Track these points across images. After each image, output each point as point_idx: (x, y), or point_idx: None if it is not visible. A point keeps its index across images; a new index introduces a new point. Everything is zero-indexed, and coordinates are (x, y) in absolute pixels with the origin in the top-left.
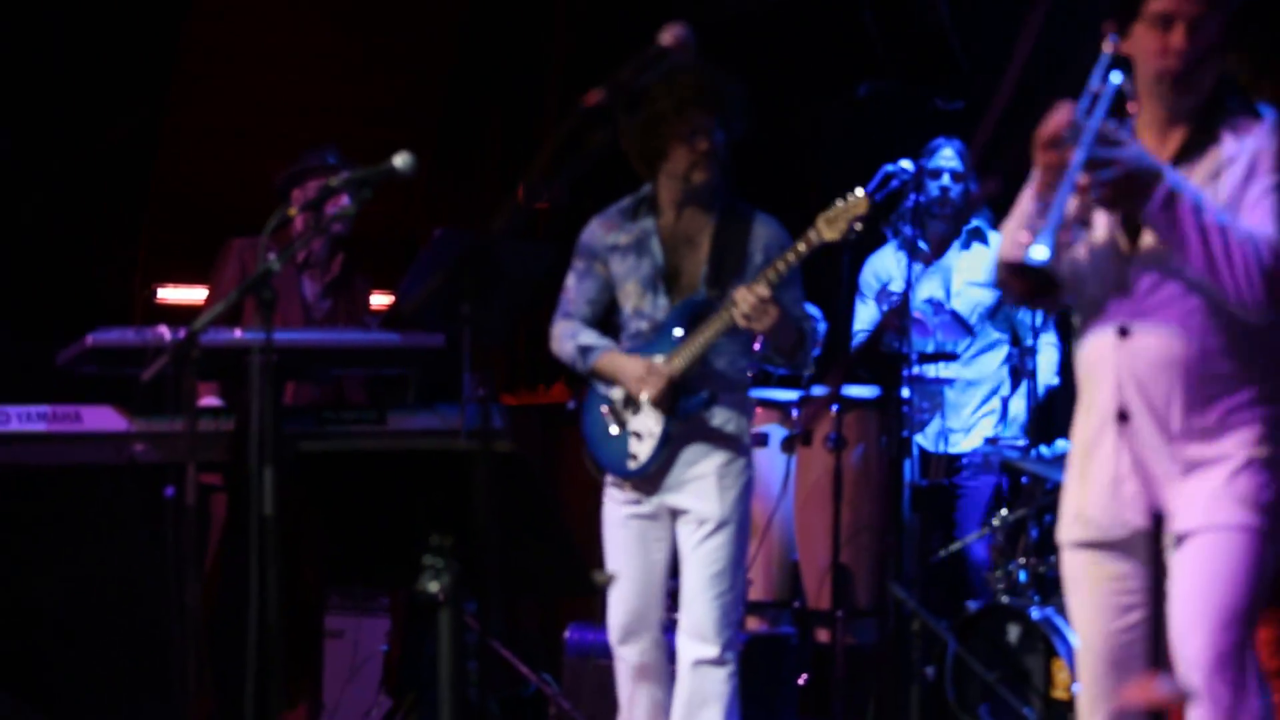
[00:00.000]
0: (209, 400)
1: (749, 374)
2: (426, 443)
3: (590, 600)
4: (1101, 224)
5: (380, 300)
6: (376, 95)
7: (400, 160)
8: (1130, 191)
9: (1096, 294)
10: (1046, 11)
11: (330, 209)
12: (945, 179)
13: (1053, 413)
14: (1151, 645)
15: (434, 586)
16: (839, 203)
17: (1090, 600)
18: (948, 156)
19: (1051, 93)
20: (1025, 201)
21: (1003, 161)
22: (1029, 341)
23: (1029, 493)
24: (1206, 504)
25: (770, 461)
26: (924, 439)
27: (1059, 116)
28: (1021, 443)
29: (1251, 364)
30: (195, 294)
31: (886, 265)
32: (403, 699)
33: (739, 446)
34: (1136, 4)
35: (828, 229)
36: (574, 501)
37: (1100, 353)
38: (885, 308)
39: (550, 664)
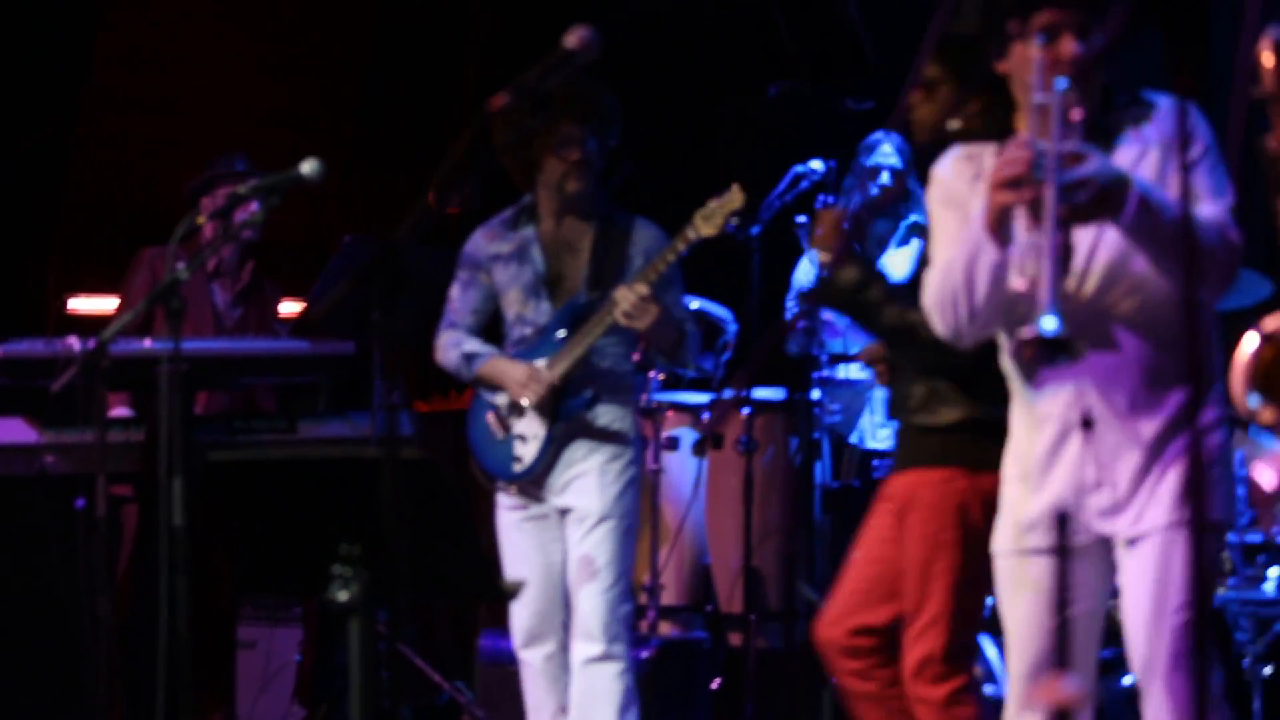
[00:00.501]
0: (119, 411)
1: (633, 374)
2: (336, 451)
3: (503, 607)
4: (1024, 237)
5: (291, 307)
6: (289, 100)
7: (308, 167)
8: (1105, 205)
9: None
10: (952, 10)
11: (239, 216)
12: (884, 177)
13: None
14: (1061, 647)
15: (344, 595)
16: (713, 200)
17: (1030, 601)
18: (886, 153)
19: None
20: (960, 246)
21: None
22: None
23: None
24: (1168, 503)
25: (681, 465)
26: (854, 437)
27: (1019, 154)
28: None
29: (1181, 358)
30: (108, 304)
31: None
32: (316, 709)
33: (624, 444)
34: (1008, 23)
35: (705, 225)
36: (487, 507)
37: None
38: (793, 310)
39: (464, 672)
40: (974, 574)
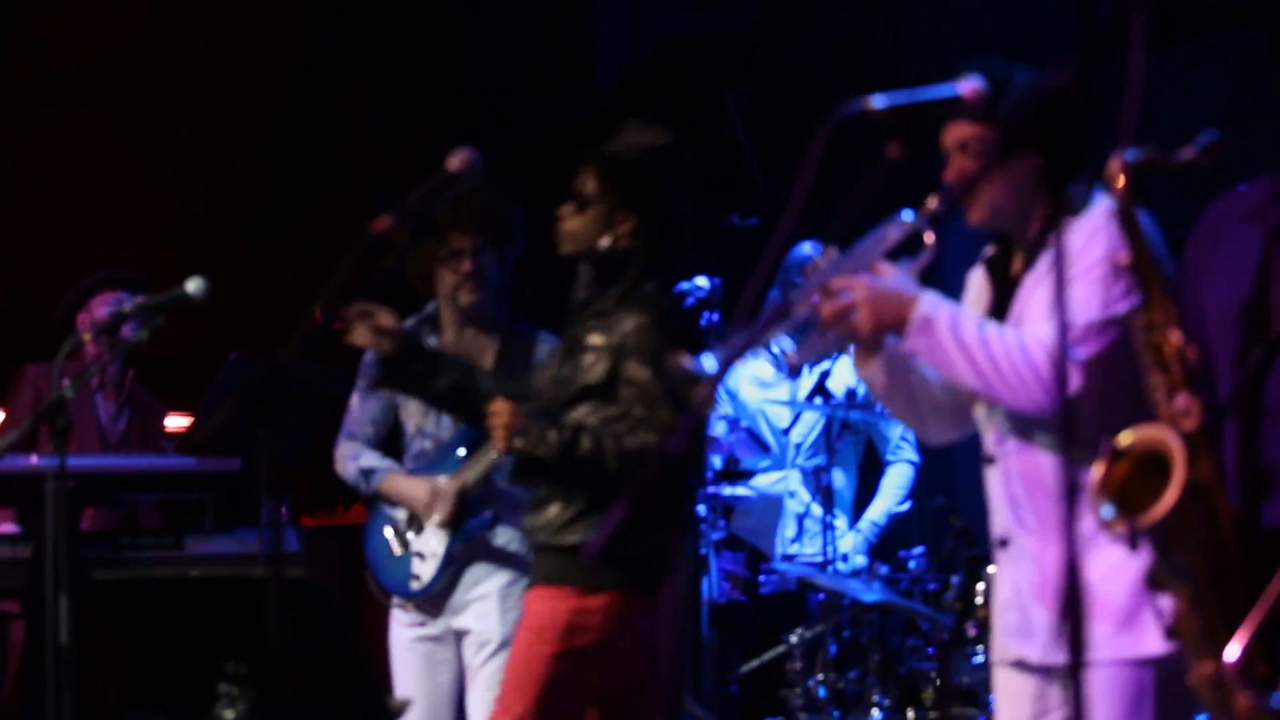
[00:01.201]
0: (6, 527)
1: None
2: (223, 569)
3: None
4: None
5: (178, 422)
6: (175, 215)
7: (193, 285)
8: (880, 317)
9: (977, 426)
10: (835, 128)
11: (126, 333)
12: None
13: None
14: None
15: (230, 714)
16: None
17: (1003, 711)
18: None
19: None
20: None
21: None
22: (888, 457)
23: (827, 608)
24: (1095, 635)
25: None
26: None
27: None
28: (818, 559)
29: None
30: None
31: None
32: None
33: (523, 567)
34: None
35: None
36: (377, 623)
37: (985, 479)
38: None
39: None
40: (566, 690)
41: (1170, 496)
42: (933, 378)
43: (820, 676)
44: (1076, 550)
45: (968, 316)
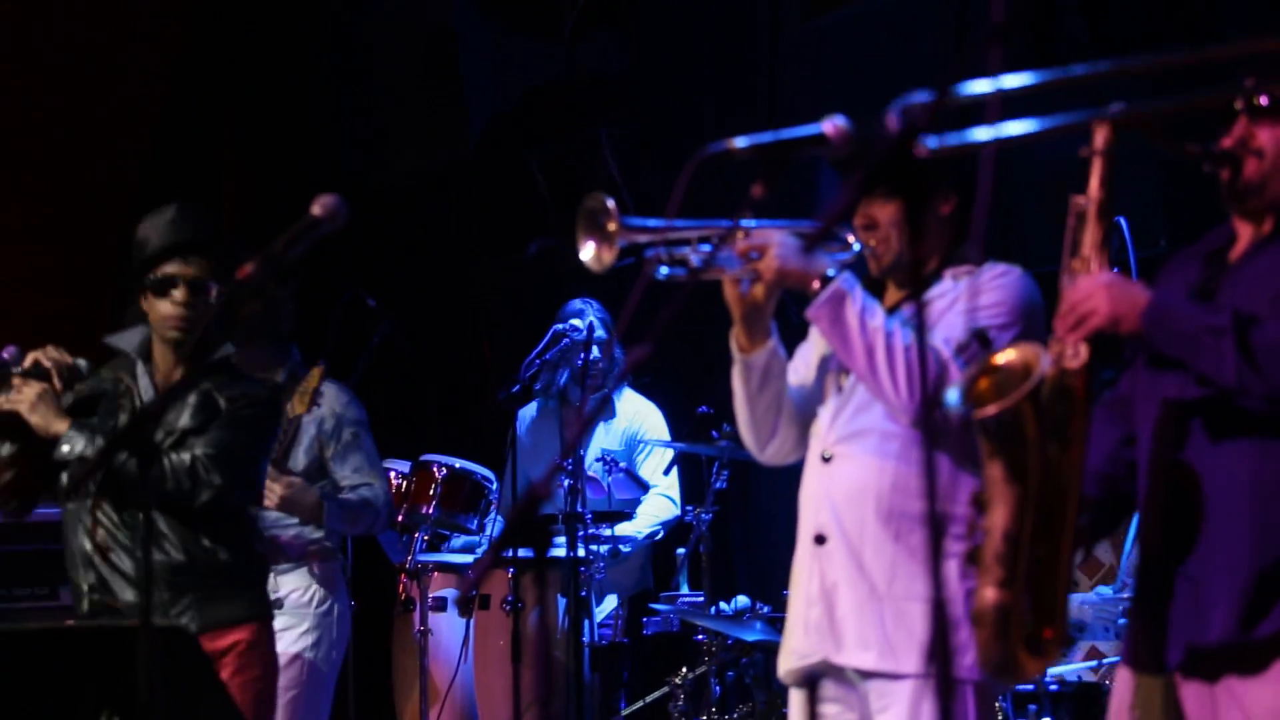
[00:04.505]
0: None
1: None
2: (95, 620)
3: None
4: (814, 360)
5: None
6: (41, 274)
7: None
8: (786, 269)
9: (817, 426)
10: (701, 164)
11: None
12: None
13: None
14: None
15: None
16: (301, 380)
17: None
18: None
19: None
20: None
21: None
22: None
23: (709, 650)
24: (905, 653)
25: (449, 625)
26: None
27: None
28: (700, 599)
29: (948, 506)
30: None
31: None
32: None
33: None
34: None
35: (299, 403)
36: None
37: (808, 478)
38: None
39: None
40: None
41: (1017, 394)
42: (794, 394)
43: (704, 717)
44: (940, 578)
45: (877, 306)
